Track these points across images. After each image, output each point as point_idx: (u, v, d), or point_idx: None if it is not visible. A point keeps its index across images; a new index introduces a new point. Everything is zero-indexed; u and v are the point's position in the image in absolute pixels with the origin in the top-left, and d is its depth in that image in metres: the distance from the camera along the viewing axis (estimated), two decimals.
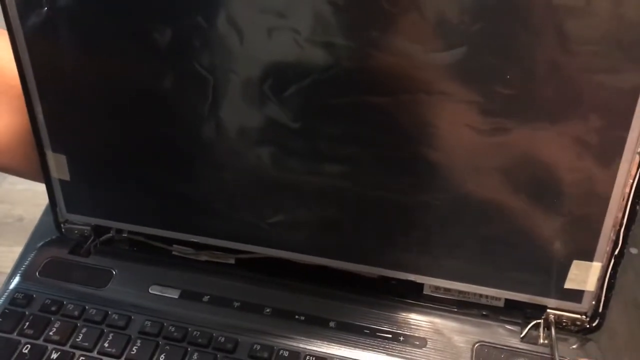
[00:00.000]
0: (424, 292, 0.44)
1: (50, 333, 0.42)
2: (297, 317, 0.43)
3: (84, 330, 0.42)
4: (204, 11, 0.38)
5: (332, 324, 0.42)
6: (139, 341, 0.42)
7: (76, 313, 0.43)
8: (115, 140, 0.44)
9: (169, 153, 0.43)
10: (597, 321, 0.41)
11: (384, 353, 0.40)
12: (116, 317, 0.43)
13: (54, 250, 0.48)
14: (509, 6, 0.33)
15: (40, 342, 0.42)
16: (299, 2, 0.36)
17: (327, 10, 0.36)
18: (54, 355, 0.41)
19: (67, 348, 0.41)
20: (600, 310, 0.40)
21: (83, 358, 0.41)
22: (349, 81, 0.37)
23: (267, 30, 0.37)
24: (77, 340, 0.42)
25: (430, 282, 0.43)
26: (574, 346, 0.41)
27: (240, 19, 0.37)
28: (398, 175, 0.40)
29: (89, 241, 0.48)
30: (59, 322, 0.43)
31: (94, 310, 0.43)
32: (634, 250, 0.48)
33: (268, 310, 0.43)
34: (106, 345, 0.41)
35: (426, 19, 0.34)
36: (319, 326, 0.42)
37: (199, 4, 0.37)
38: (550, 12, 0.33)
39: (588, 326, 0.41)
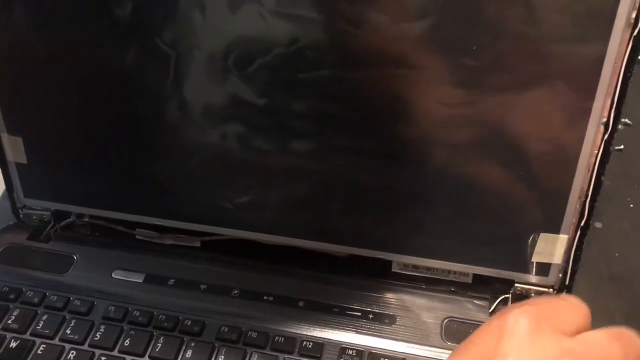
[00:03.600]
0: (393, 270, 0.43)
1: (9, 321, 0.41)
2: (265, 297, 0.42)
3: (44, 317, 0.41)
4: None
5: (300, 303, 0.42)
6: (102, 327, 0.40)
7: (36, 300, 0.42)
8: (74, 120, 0.43)
9: (130, 133, 0.42)
10: (564, 294, 0.41)
11: (353, 331, 0.40)
12: (78, 303, 0.42)
13: (12, 237, 0.47)
14: None
15: None
16: None
17: None
18: (13, 344, 0.40)
19: (26, 336, 0.40)
20: (567, 282, 0.40)
21: (44, 346, 0.40)
22: (315, 55, 0.37)
23: (229, 2, 0.36)
24: (38, 327, 0.40)
25: (398, 259, 0.43)
26: None
27: None
28: (365, 152, 0.39)
29: (49, 226, 0.47)
30: (18, 310, 0.41)
31: (55, 297, 0.42)
32: (598, 225, 0.49)
33: (235, 292, 0.43)
34: (68, 332, 0.40)
35: None
36: (288, 306, 0.42)
37: None
38: None
39: None
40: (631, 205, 0.51)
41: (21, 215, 0.47)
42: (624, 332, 0.25)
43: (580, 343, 0.24)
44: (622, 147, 0.56)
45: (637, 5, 0.32)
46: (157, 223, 0.45)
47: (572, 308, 0.26)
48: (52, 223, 0.47)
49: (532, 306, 0.26)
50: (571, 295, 0.28)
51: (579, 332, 0.25)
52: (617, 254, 0.47)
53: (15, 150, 0.44)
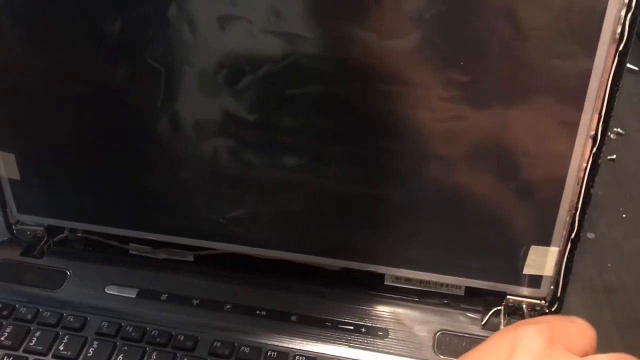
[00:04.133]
0: (385, 283, 0.44)
1: (2, 338, 0.41)
2: (258, 312, 0.42)
3: (37, 333, 0.41)
4: (154, 1, 0.37)
5: (293, 317, 0.42)
6: (95, 342, 0.40)
7: (29, 316, 0.42)
8: (66, 136, 0.43)
9: (122, 148, 0.42)
10: (555, 306, 0.41)
11: (346, 345, 0.40)
12: (71, 319, 0.42)
13: (5, 252, 0.47)
14: None
15: None
16: None
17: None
18: None
19: (19, 353, 0.40)
20: (559, 294, 0.40)
21: None
22: (304, 71, 0.37)
23: (219, 19, 0.36)
24: (31, 344, 0.40)
25: (391, 272, 0.43)
26: None
27: (192, 9, 0.36)
28: (356, 165, 0.40)
29: (42, 242, 0.47)
30: (11, 327, 0.41)
31: (48, 313, 0.42)
32: (590, 235, 0.49)
33: (228, 306, 0.43)
34: (61, 348, 0.40)
35: (381, 6, 0.34)
36: (281, 320, 0.42)
37: None
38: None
39: (547, 311, 0.41)
40: (624, 215, 0.52)
41: (15, 231, 0.48)
42: (626, 357, 0.26)
43: None
44: (614, 156, 0.56)
45: (622, 21, 0.32)
46: (150, 238, 0.45)
47: (581, 331, 0.27)
48: (45, 238, 0.47)
49: (546, 324, 0.27)
50: (580, 319, 0.28)
51: (585, 354, 0.26)
52: (610, 264, 0.47)
53: (8, 167, 0.45)
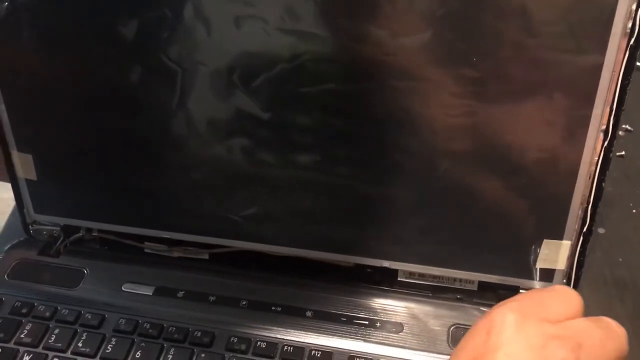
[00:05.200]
0: (399, 278, 0.44)
1: (22, 335, 0.41)
2: (273, 308, 0.43)
3: (56, 331, 0.42)
4: (169, 2, 0.37)
5: (308, 313, 0.42)
6: (113, 339, 0.41)
7: (48, 314, 0.42)
8: (82, 137, 0.44)
9: (137, 148, 0.43)
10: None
11: (361, 340, 0.41)
12: (89, 317, 0.42)
13: (23, 252, 0.47)
14: None
15: (11, 345, 0.41)
16: None
17: None
18: (26, 358, 0.40)
19: (39, 350, 0.41)
20: (571, 288, 0.41)
21: (57, 359, 0.40)
22: (317, 69, 0.37)
23: (234, 19, 0.37)
24: (50, 341, 0.41)
25: (404, 267, 0.43)
26: None
27: (207, 9, 0.37)
28: (369, 162, 0.40)
29: (59, 241, 0.48)
30: (30, 324, 0.42)
31: (66, 311, 0.43)
32: (601, 230, 0.49)
33: (244, 302, 0.43)
34: (80, 345, 0.41)
35: (393, 3, 0.35)
36: (296, 316, 0.42)
37: None
38: None
39: None
40: (633, 211, 0.52)
41: (31, 231, 0.48)
42: (603, 318, 0.27)
43: (563, 328, 0.26)
44: (623, 153, 0.56)
45: (633, 15, 0.32)
46: (165, 236, 0.46)
47: (560, 298, 0.28)
48: (61, 238, 0.48)
49: (516, 302, 0.28)
50: (561, 286, 0.29)
51: (568, 319, 0.27)
52: (620, 259, 0.48)
53: (26, 167, 0.45)
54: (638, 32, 0.33)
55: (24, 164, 0.45)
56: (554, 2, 0.33)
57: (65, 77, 0.42)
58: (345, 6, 0.36)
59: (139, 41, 0.39)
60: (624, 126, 0.59)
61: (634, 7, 0.32)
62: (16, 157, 0.45)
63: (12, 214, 0.50)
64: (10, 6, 0.39)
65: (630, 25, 0.33)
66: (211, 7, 0.37)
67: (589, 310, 0.39)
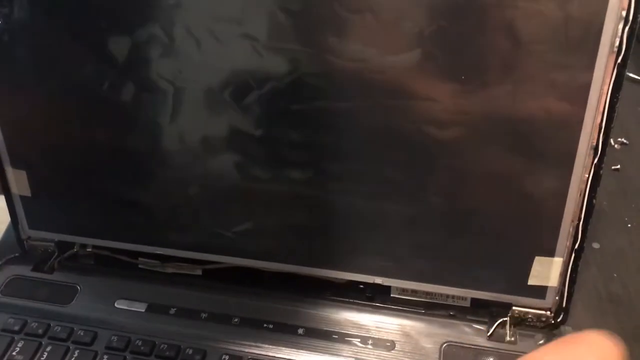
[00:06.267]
0: (392, 295, 0.44)
1: (14, 353, 0.41)
2: (265, 325, 0.42)
3: (48, 348, 0.42)
4: (161, 21, 0.38)
5: (300, 330, 0.42)
6: (105, 357, 0.41)
7: (40, 331, 0.42)
8: (76, 153, 0.44)
9: (131, 165, 0.43)
10: (561, 316, 0.41)
11: (353, 358, 0.40)
12: (82, 334, 0.42)
13: (17, 268, 0.47)
14: (461, 8, 0.34)
15: None
16: (254, 9, 0.36)
17: (283, 17, 0.36)
18: None
19: None
20: (564, 305, 0.41)
21: None
22: (308, 87, 0.38)
23: (224, 38, 0.37)
24: (42, 359, 0.41)
25: (397, 284, 0.43)
26: (541, 342, 0.41)
27: (197, 28, 0.37)
28: (361, 179, 0.40)
29: (53, 257, 0.48)
30: (23, 342, 0.42)
31: (59, 328, 0.43)
32: (596, 245, 0.49)
33: (236, 320, 0.43)
34: None
35: (381, 22, 0.35)
36: (288, 333, 0.42)
37: (155, 14, 0.37)
38: (501, 13, 0.33)
39: (553, 322, 0.41)
40: (629, 225, 0.52)
41: (26, 247, 0.48)
42: None
43: None
44: (618, 166, 0.56)
45: (620, 33, 0.32)
46: (158, 252, 0.46)
47: (596, 353, 0.25)
48: (56, 254, 0.48)
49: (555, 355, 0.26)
50: (596, 335, 0.27)
51: None
52: (615, 274, 0.48)
53: (20, 184, 0.45)
54: (625, 49, 0.33)
55: (18, 180, 0.45)
56: (542, 20, 0.33)
57: (59, 94, 0.42)
58: (333, 24, 0.36)
59: (131, 59, 0.39)
60: (619, 139, 0.59)
61: (620, 25, 0.32)
62: (10, 173, 0.45)
63: (7, 230, 0.50)
64: (3, 25, 0.39)
65: (617, 43, 0.33)
66: (201, 26, 0.37)
67: (583, 326, 0.39)
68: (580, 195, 0.37)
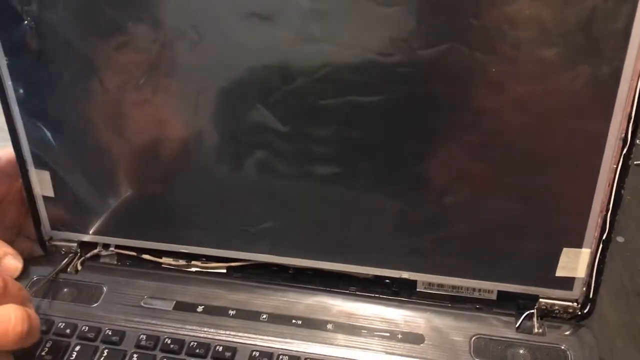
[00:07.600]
0: (418, 289, 0.44)
1: (43, 353, 0.41)
2: (293, 321, 0.43)
3: (77, 348, 0.42)
4: (188, 17, 0.38)
5: (329, 326, 0.42)
6: (135, 356, 0.41)
7: (68, 331, 0.42)
8: (99, 153, 0.44)
9: (154, 163, 0.43)
10: (588, 307, 0.41)
11: (383, 352, 0.41)
12: (110, 333, 0.42)
13: (39, 269, 0.47)
14: (489, 3, 0.34)
15: None
16: (283, 5, 0.36)
17: (312, 12, 0.36)
18: None
19: None
20: (591, 296, 0.41)
21: None
22: (336, 82, 0.38)
23: (253, 33, 0.37)
24: (71, 358, 0.41)
25: (423, 278, 0.43)
26: (567, 333, 0.41)
27: (225, 23, 0.37)
28: (387, 175, 0.40)
29: (76, 258, 0.48)
30: (51, 342, 0.42)
31: (87, 327, 0.43)
32: (620, 239, 0.49)
33: (264, 316, 0.43)
34: None
35: (412, 16, 0.35)
36: (317, 329, 0.42)
37: (183, 10, 0.38)
38: (530, 7, 0.34)
39: (580, 313, 0.42)
40: None
41: (48, 248, 0.48)
42: None
43: None
44: None
45: None
46: (183, 251, 0.46)
47: None
48: (79, 254, 0.48)
49: None
50: None
51: None
52: None
53: (43, 184, 0.45)
54: None
55: (41, 181, 0.45)
56: (571, 12, 0.33)
57: (82, 94, 0.42)
58: (364, 19, 0.36)
59: (156, 57, 0.39)
60: None
61: None
62: (33, 174, 0.45)
63: None
64: (29, 26, 0.40)
65: None
66: (229, 22, 0.37)
67: (609, 319, 0.39)
68: (608, 186, 0.37)
